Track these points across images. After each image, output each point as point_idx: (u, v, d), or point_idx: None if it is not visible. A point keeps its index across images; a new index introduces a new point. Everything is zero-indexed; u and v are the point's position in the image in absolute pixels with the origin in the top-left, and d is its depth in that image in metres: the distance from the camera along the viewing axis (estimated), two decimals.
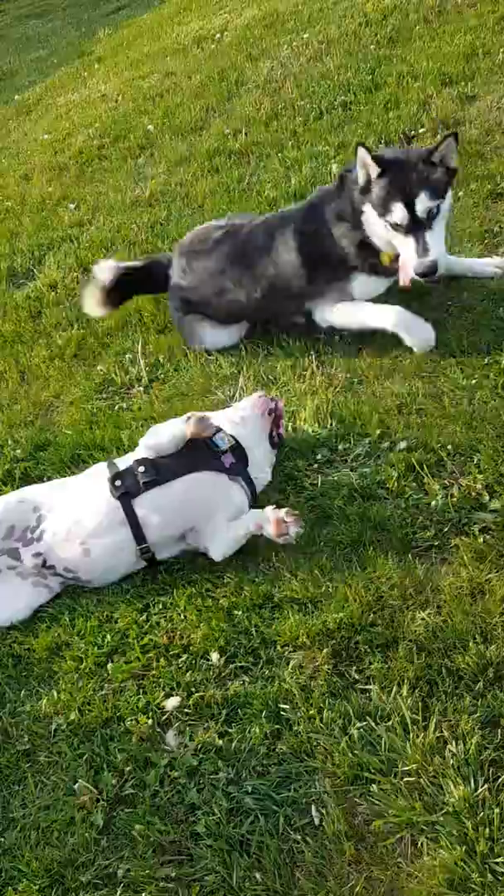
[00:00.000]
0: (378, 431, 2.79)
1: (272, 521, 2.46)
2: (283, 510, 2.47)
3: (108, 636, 2.47)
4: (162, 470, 2.59)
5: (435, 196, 2.82)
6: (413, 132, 4.42)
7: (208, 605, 2.45)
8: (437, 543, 2.39)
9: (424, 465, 2.58)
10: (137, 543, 2.56)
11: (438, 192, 2.84)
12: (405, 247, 2.88)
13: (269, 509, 2.50)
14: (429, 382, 2.93)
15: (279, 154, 4.82)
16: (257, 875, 1.84)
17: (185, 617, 2.44)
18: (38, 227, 5.38)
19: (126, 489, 2.57)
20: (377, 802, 1.87)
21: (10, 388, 3.89)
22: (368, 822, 1.86)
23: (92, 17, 11.42)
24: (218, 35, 7.41)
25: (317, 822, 1.90)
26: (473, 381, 2.84)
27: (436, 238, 2.84)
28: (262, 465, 2.75)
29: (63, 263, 4.71)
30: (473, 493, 2.46)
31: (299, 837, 1.88)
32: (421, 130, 4.39)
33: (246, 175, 4.77)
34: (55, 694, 2.37)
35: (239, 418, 2.77)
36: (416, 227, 2.83)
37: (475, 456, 2.58)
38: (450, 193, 2.92)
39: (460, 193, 3.78)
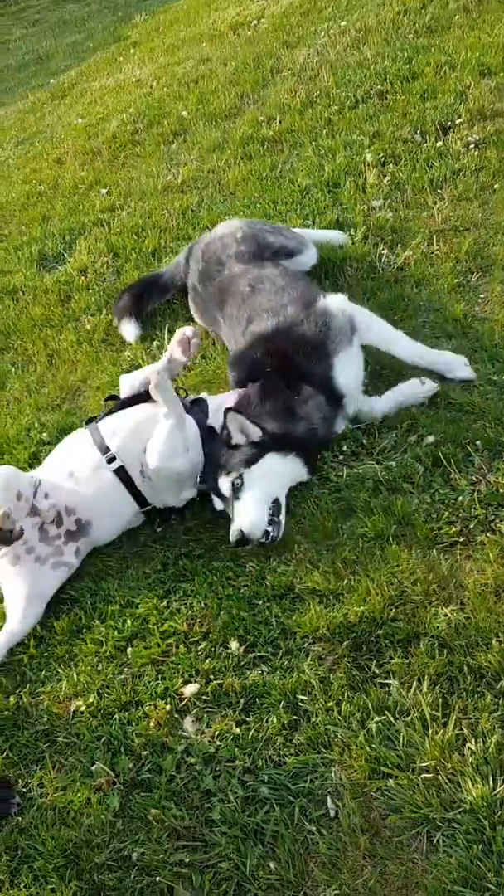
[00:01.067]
0: (406, 424, 2.75)
1: (176, 342, 2.79)
2: (189, 329, 2.85)
3: (129, 621, 2.48)
4: (123, 402, 2.91)
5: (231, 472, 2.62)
6: (449, 123, 4.35)
7: (229, 594, 2.45)
8: (462, 539, 2.36)
9: (452, 460, 2.55)
10: (102, 453, 2.76)
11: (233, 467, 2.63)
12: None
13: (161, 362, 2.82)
14: None
15: (313, 142, 4.77)
16: (271, 864, 1.84)
17: (206, 604, 2.45)
18: (70, 212, 5.39)
19: (91, 418, 2.96)
20: (394, 797, 1.86)
21: (38, 372, 3.91)
22: (384, 816, 1.85)
23: (129, 2, 11.35)
24: (254, 21, 7.33)
25: (332, 814, 1.89)
26: None
27: (243, 506, 2.56)
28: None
29: (93, 248, 4.71)
30: (501, 490, 2.43)
31: (314, 829, 1.88)
32: (457, 121, 4.31)
33: (279, 163, 4.73)
34: (75, 676, 2.39)
35: (218, 404, 2.86)
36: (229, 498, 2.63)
37: None
38: (263, 460, 2.64)
39: (496, 185, 3.73)
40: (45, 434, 3.40)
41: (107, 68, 8.44)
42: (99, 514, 2.75)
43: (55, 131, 7.22)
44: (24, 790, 2.18)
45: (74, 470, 2.79)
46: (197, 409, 2.86)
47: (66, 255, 4.87)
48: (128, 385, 2.98)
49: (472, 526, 2.37)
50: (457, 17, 5.50)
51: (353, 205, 3.99)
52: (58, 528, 2.70)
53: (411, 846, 1.80)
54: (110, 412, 2.90)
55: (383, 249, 3.64)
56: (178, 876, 1.89)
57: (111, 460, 2.74)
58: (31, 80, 9.51)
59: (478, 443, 2.58)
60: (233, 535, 2.51)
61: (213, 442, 2.75)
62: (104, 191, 5.46)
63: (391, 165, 4.20)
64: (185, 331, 2.86)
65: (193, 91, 6.42)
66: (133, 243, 4.58)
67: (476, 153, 4.02)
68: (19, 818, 2.10)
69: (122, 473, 2.74)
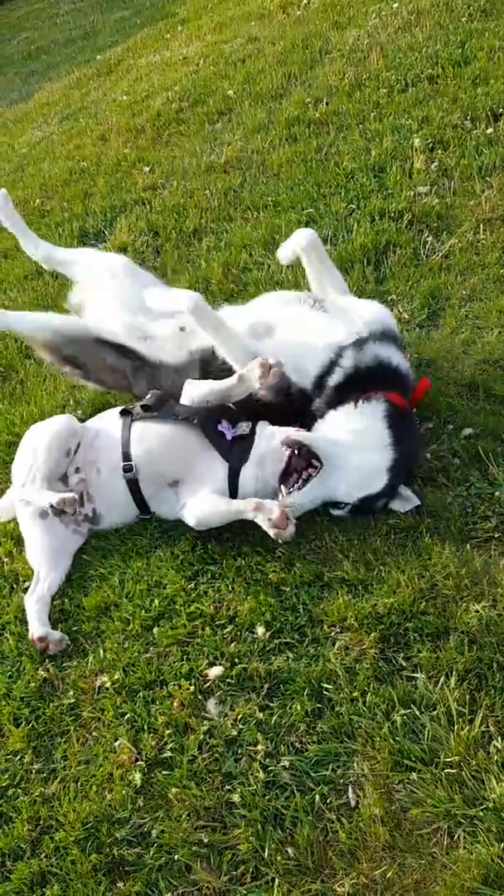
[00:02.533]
0: (445, 415, 2.71)
1: (277, 513, 2.37)
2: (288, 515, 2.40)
3: (156, 601, 2.49)
4: (165, 408, 2.71)
5: None
6: (501, 110, 4.25)
7: (257, 579, 2.44)
8: (497, 535, 2.32)
9: (490, 454, 2.51)
10: (123, 459, 2.69)
11: None
12: None
13: (276, 503, 2.42)
14: (501, 367, 2.83)
15: (360, 126, 4.69)
16: (289, 850, 1.84)
17: (233, 588, 2.44)
18: (112, 189, 5.37)
19: (127, 409, 2.79)
20: (416, 791, 1.85)
21: None
22: (405, 809, 1.84)
23: None
24: (305, 1, 7.22)
25: (353, 804, 1.89)
26: None
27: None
28: (249, 482, 2.61)
29: (134, 227, 4.70)
30: None
31: (334, 817, 1.87)
32: None
33: (324, 146, 4.66)
34: (101, 653, 2.41)
35: (269, 433, 2.62)
36: None
37: None
38: None
39: None
40: (79, 412, 3.41)
41: (153, 45, 8.39)
42: (109, 510, 2.80)
43: (100, 108, 7.20)
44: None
45: (100, 464, 2.77)
46: (237, 449, 2.63)
47: (106, 232, 4.87)
48: (188, 395, 2.73)
49: None
50: None
51: (399, 190, 3.92)
52: (79, 507, 2.77)
53: (431, 841, 1.79)
54: (149, 408, 2.74)
55: (428, 236, 3.58)
56: (197, 855, 1.90)
57: (128, 469, 2.71)
58: (78, 55, 9.48)
59: None
60: None
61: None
62: (147, 169, 5.44)
63: (439, 151, 4.12)
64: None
65: (240, 70, 6.35)
66: (174, 223, 4.56)
67: None
68: (42, 789, 2.13)
69: (133, 485, 2.72)
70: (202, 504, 2.55)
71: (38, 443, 2.77)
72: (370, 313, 2.66)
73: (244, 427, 2.65)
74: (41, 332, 3.11)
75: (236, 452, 2.62)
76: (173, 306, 2.89)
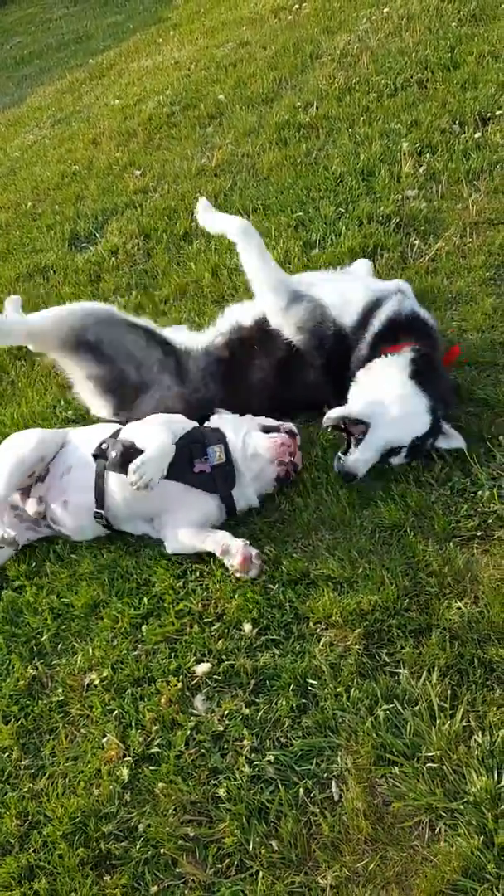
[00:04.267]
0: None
1: (241, 555, 2.42)
2: (255, 551, 2.44)
3: (145, 599, 2.52)
4: (133, 456, 2.57)
5: None
6: (489, 114, 4.30)
7: (245, 577, 2.47)
8: (479, 534, 2.36)
9: (473, 455, 2.54)
10: (97, 506, 2.68)
11: None
12: None
13: (242, 543, 2.46)
14: (484, 371, 2.87)
15: (349, 130, 4.74)
16: (273, 843, 1.87)
17: (221, 586, 2.47)
18: (103, 192, 5.41)
19: (101, 453, 2.71)
20: (398, 784, 1.88)
21: None
22: (388, 802, 1.87)
23: None
24: (296, 6, 7.27)
25: (336, 797, 1.91)
26: None
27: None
28: (249, 495, 2.68)
29: (125, 230, 4.73)
30: None
31: (318, 811, 1.90)
32: (497, 113, 4.25)
33: (314, 149, 4.71)
34: (90, 650, 2.43)
35: (251, 451, 2.65)
36: None
37: None
38: None
39: None
40: (70, 412, 3.44)
41: (146, 49, 8.44)
42: (74, 534, 2.83)
43: (91, 112, 7.24)
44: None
45: (68, 498, 2.76)
46: (220, 475, 2.62)
47: (97, 235, 4.90)
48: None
49: (490, 521, 2.37)
50: (503, 5, 5.41)
51: (388, 194, 3.96)
52: (39, 521, 2.86)
53: (413, 834, 1.82)
54: (123, 461, 2.62)
55: (415, 239, 3.62)
56: (183, 849, 1.92)
57: (99, 516, 2.71)
58: (70, 59, 9.53)
59: (501, 438, 2.57)
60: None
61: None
62: (138, 172, 5.48)
63: (427, 155, 4.16)
64: (251, 551, 2.48)
65: (231, 74, 6.40)
66: (165, 226, 4.59)
67: None
68: (31, 784, 2.15)
69: (105, 525, 2.75)
70: (179, 539, 2.60)
71: (5, 463, 2.76)
72: (400, 281, 2.92)
73: (218, 453, 2.65)
74: (69, 316, 2.97)
75: (220, 481, 2.63)
76: (223, 228, 3.01)
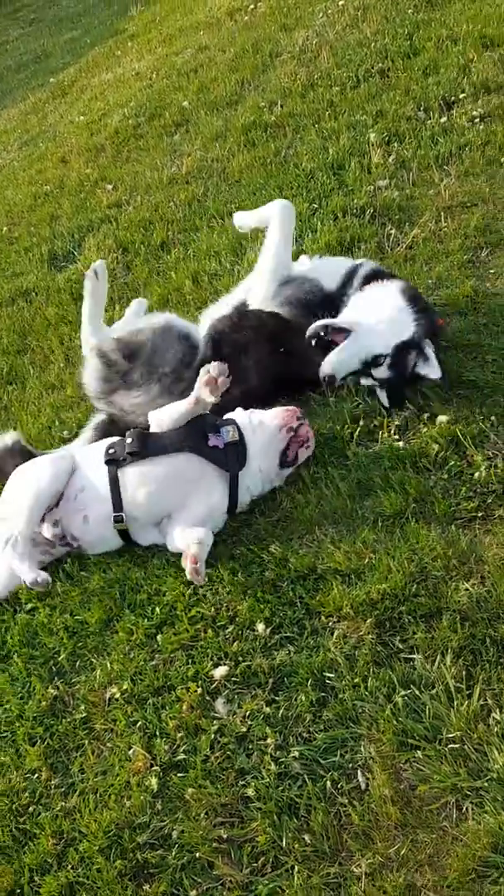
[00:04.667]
0: (420, 404, 2.78)
1: (189, 557, 2.47)
2: (200, 563, 2.47)
3: (157, 609, 2.54)
4: (150, 443, 2.68)
5: None
6: (453, 98, 4.34)
7: (254, 578, 2.50)
8: (480, 514, 2.39)
9: (468, 437, 2.58)
10: (114, 510, 2.70)
11: None
12: None
13: (194, 546, 2.49)
14: (470, 353, 2.90)
15: (316, 125, 4.77)
16: (306, 837, 1.90)
17: (231, 589, 2.50)
18: (77, 210, 5.43)
19: (112, 457, 2.71)
20: (422, 768, 1.91)
21: (56, 371, 3.97)
22: (413, 787, 1.90)
23: None
24: (251, 6, 7.30)
25: (363, 786, 1.95)
26: None
27: None
28: (257, 478, 2.71)
29: (103, 245, 4.75)
30: None
31: (346, 801, 1.93)
32: (461, 96, 4.29)
33: (283, 148, 4.74)
34: (108, 665, 2.46)
35: (257, 421, 2.73)
36: None
37: None
38: None
39: (502, 160, 3.72)
40: (65, 432, 3.47)
41: (106, 63, 8.46)
42: (93, 547, 2.85)
43: (58, 130, 7.26)
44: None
45: (88, 514, 2.78)
46: (232, 454, 2.67)
47: (76, 253, 4.93)
48: (155, 422, 2.76)
49: (489, 501, 2.41)
50: None
51: (359, 186, 3.99)
52: (57, 542, 2.87)
53: (441, 815, 1.85)
54: (134, 454, 2.69)
55: (391, 229, 3.66)
56: (218, 851, 1.95)
57: (118, 520, 2.73)
58: (31, 80, 9.53)
59: (493, 418, 2.61)
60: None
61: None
62: (110, 187, 5.50)
63: (395, 144, 4.20)
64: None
65: (193, 81, 6.42)
66: (142, 238, 4.62)
67: (481, 127, 4.01)
68: (63, 803, 2.18)
69: (123, 532, 2.77)
70: (175, 542, 2.66)
71: (23, 500, 2.78)
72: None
73: (231, 432, 2.70)
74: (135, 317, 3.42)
75: (232, 458, 2.67)
76: (264, 213, 3.16)
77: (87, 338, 3.22)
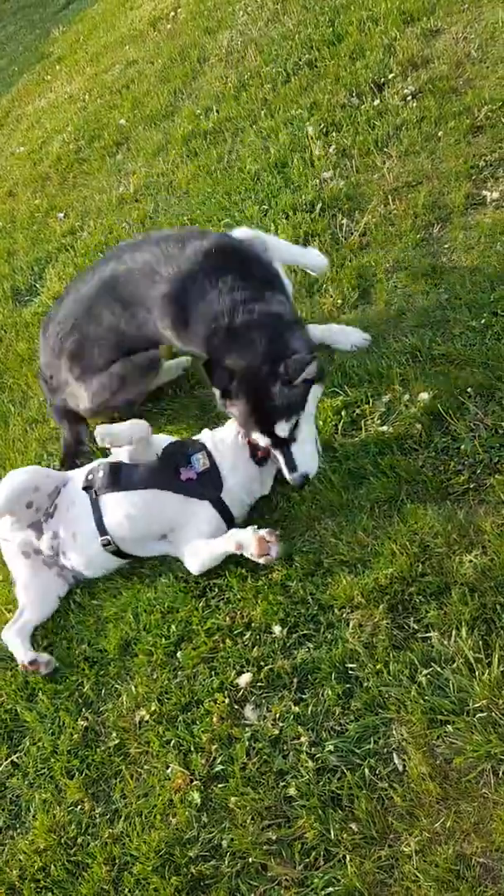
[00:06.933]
0: (398, 386, 2.83)
1: (255, 541, 2.49)
2: (265, 530, 2.51)
3: (173, 626, 2.58)
4: (122, 477, 2.77)
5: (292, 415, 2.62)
6: (383, 80, 4.38)
7: (262, 581, 2.54)
8: (472, 486, 2.44)
9: (449, 412, 2.63)
10: (100, 534, 2.77)
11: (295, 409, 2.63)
12: (278, 455, 2.69)
13: (251, 530, 2.53)
14: (438, 329, 2.95)
15: (253, 126, 4.80)
16: (353, 826, 1.94)
17: (242, 596, 2.53)
18: (33, 242, 5.44)
19: (90, 484, 2.83)
20: (454, 741, 1.96)
21: (36, 405, 3.99)
22: (449, 760, 1.95)
23: (44, 17, 11.28)
24: (172, 13, 7.32)
25: (400, 768, 1.99)
26: (483, 321, 2.86)
27: (301, 449, 2.65)
28: (246, 486, 2.75)
29: (63, 274, 4.77)
30: (500, 431, 2.50)
31: (386, 785, 1.98)
32: (390, 76, 4.34)
33: (224, 153, 4.77)
34: (133, 689, 2.49)
35: (219, 438, 2.79)
36: (280, 442, 2.65)
37: (496, 393, 2.61)
38: (312, 391, 2.68)
39: (440, 133, 3.76)
40: (55, 463, 3.49)
41: (37, 90, 8.45)
42: (88, 568, 2.90)
43: (0, 164, 7.25)
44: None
45: (76, 531, 2.84)
46: (207, 481, 2.71)
47: (38, 286, 4.94)
48: (191, 555, 2.69)
49: (479, 471, 2.46)
50: None
51: (305, 181, 4.03)
52: (58, 557, 2.92)
53: (480, 783, 1.90)
54: (112, 478, 2.78)
55: (342, 219, 3.69)
56: (269, 853, 1.99)
57: (106, 543, 2.78)
58: None
59: (469, 390, 2.66)
60: (293, 482, 2.64)
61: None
62: (61, 215, 5.51)
63: (334, 134, 4.23)
64: (265, 533, 2.52)
65: (126, 97, 6.44)
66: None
67: (414, 104, 4.05)
68: (110, 830, 2.21)
69: (116, 552, 2.82)
70: (198, 555, 2.65)
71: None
72: None
73: (202, 459, 2.75)
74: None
75: (208, 485, 2.72)
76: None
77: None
